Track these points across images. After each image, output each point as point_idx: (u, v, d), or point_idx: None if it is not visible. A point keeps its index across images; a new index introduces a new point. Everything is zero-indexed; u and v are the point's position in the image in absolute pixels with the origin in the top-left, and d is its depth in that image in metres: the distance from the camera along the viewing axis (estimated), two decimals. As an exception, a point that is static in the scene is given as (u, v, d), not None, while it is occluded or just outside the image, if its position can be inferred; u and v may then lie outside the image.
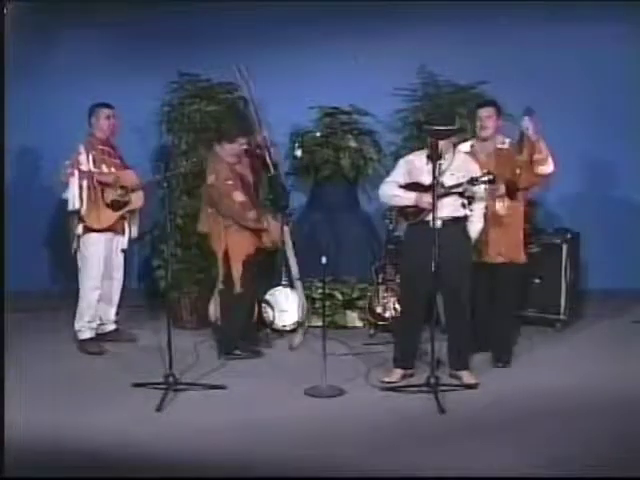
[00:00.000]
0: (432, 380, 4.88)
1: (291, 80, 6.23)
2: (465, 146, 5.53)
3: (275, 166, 5.92)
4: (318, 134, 6.59)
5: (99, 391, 5.09)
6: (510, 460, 4.10)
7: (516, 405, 4.85)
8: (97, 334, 5.97)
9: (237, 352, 5.73)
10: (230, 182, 5.58)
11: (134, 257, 7.33)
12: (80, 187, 5.69)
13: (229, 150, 5.64)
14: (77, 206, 5.73)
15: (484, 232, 5.34)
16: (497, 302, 5.55)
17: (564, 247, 6.35)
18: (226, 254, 5.66)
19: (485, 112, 5.48)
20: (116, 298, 6.09)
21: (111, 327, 6.10)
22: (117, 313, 6.15)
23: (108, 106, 5.88)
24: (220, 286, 5.76)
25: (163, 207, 5.36)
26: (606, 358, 5.63)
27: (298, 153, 6.00)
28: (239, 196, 5.58)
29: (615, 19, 6.77)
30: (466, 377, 5.18)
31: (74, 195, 5.71)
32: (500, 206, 5.43)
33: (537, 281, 6.34)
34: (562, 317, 6.36)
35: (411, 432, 4.51)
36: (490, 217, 5.37)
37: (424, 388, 4.91)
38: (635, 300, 6.68)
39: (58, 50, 7.09)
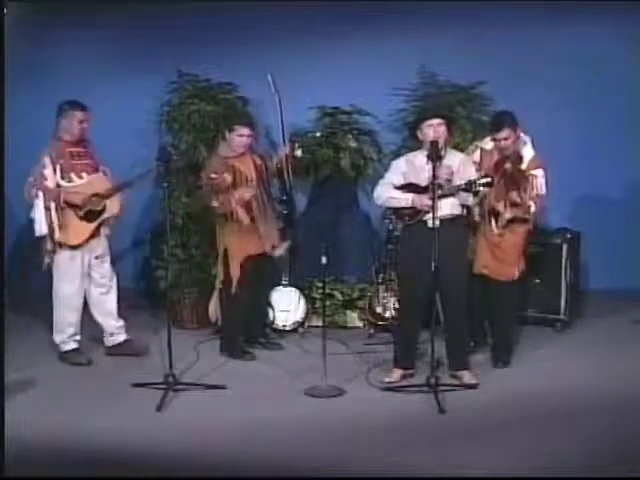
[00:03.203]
0: (432, 380, 4.88)
1: (291, 80, 6.21)
2: (489, 143, 5.45)
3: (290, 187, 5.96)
4: (318, 134, 6.58)
5: (99, 391, 5.09)
6: (510, 460, 4.11)
7: (516, 405, 4.85)
8: (109, 347, 5.75)
9: (238, 351, 5.74)
10: (215, 176, 5.53)
11: (134, 257, 7.33)
12: (47, 209, 5.31)
13: (232, 142, 5.62)
14: (44, 232, 5.34)
15: (475, 240, 5.36)
16: (496, 303, 5.54)
17: (564, 247, 6.35)
18: (225, 254, 5.66)
19: (502, 135, 5.29)
20: (112, 307, 5.75)
21: (121, 338, 5.78)
22: (123, 321, 5.85)
23: (82, 108, 5.44)
24: (219, 285, 5.76)
25: (163, 207, 5.35)
26: (606, 358, 5.63)
27: (298, 153, 5.99)
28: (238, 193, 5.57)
29: (614, 19, 6.76)
30: (466, 377, 5.19)
31: (40, 220, 5.33)
32: (494, 222, 5.35)
33: (537, 281, 6.34)
34: (562, 317, 6.36)
35: (411, 432, 4.51)
36: (483, 231, 5.37)
37: (424, 388, 4.91)
38: (635, 300, 6.68)
39: (58, 50, 7.08)
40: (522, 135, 5.40)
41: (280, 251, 5.95)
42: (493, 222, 5.36)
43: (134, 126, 6.73)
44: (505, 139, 5.30)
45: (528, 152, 5.39)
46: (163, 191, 5.21)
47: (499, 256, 5.38)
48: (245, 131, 5.64)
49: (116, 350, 5.77)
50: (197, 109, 6.50)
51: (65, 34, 7.08)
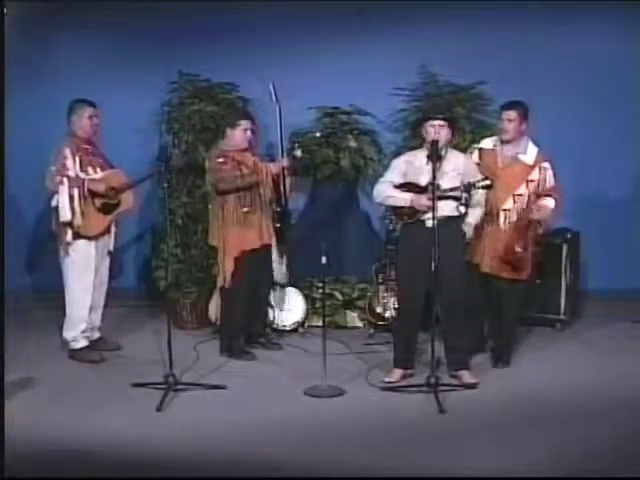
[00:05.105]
0: (432, 380, 4.88)
1: (291, 80, 6.21)
2: (488, 142, 5.48)
3: (286, 199, 5.90)
4: (318, 134, 6.58)
5: (99, 391, 5.09)
6: (510, 460, 4.11)
7: (516, 405, 4.85)
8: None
9: (238, 351, 5.74)
10: (222, 160, 5.55)
11: (134, 257, 7.33)
12: (71, 197, 5.39)
13: (236, 137, 5.62)
14: (69, 217, 5.41)
15: (480, 238, 5.35)
16: (496, 303, 5.54)
17: (564, 247, 6.36)
18: (224, 249, 5.65)
19: (506, 115, 5.36)
20: (102, 303, 5.80)
21: (96, 335, 5.83)
22: (101, 319, 5.89)
23: (91, 104, 5.59)
24: (220, 283, 5.75)
25: (163, 207, 5.35)
26: (606, 358, 5.64)
27: (298, 153, 5.99)
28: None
29: (615, 19, 6.76)
30: (466, 377, 5.19)
31: (64, 206, 5.40)
32: (503, 220, 5.35)
33: (537, 281, 6.33)
34: (562, 317, 6.36)
35: (411, 432, 4.51)
36: (490, 229, 5.36)
37: (424, 388, 4.91)
38: (635, 300, 6.67)
39: (58, 50, 7.08)
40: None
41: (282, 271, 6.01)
42: (501, 220, 5.35)
43: (134, 126, 6.73)
44: (509, 120, 5.34)
45: (532, 149, 5.41)
46: (163, 191, 5.20)
47: (505, 249, 5.36)
48: (248, 125, 5.66)
49: (90, 347, 5.74)
50: (197, 109, 6.51)
51: (65, 34, 7.08)
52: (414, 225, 5.09)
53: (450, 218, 5.06)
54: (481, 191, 5.06)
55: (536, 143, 5.44)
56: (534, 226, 5.41)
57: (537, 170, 5.35)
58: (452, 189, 5.00)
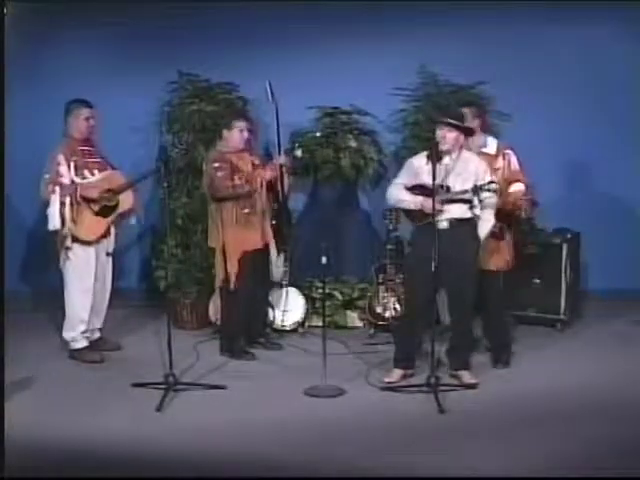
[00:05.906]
0: (432, 380, 4.88)
1: (291, 80, 6.21)
2: None
3: (285, 197, 5.88)
4: (318, 134, 6.58)
5: (99, 391, 5.09)
6: (510, 460, 4.11)
7: (516, 405, 4.85)
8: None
9: (239, 351, 5.74)
10: (218, 164, 5.54)
11: (134, 257, 7.33)
12: (62, 204, 5.35)
13: (232, 138, 5.62)
14: (57, 226, 5.37)
15: None
16: (490, 303, 5.53)
17: (564, 247, 6.35)
18: (224, 251, 5.65)
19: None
20: (105, 305, 5.79)
21: (96, 335, 5.82)
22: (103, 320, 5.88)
23: (88, 105, 5.56)
24: (219, 284, 5.75)
25: (163, 207, 5.34)
26: (606, 358, 5.64)
27: (298, 153, 5.99)
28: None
29: (615, 19, 6.76)
30: (466, 377, 5.19)
31: (54, 214, 5.36)
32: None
33: (537, 281, 6.34)
34: (562, 317, 6.36)
35: (411, 432, 4.51)
36: None
37: (424, 388, 4.91)
38: (635, 300, 6.68)
39: (58, 50, 7.07)
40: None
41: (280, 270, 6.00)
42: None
43: (134, 126, 6.73)
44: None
45: (492, 141, 5.47)
46: (163, 191, 5.20)
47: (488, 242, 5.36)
48: (244, 125, 5.66)
49: (90, 347, 5.74)
50: (197, 109, 6.51)
51: (65, 34, 7.08)
52: (426, 226, 5.05)
53: (461, 220, 5.05)
54: (488, 194, 5.03)
55: (495, 136, 5.50)
56: (514, 211, 5.38)
57: (500, 158, 5.40)
58: (461, 192, 4.99)
